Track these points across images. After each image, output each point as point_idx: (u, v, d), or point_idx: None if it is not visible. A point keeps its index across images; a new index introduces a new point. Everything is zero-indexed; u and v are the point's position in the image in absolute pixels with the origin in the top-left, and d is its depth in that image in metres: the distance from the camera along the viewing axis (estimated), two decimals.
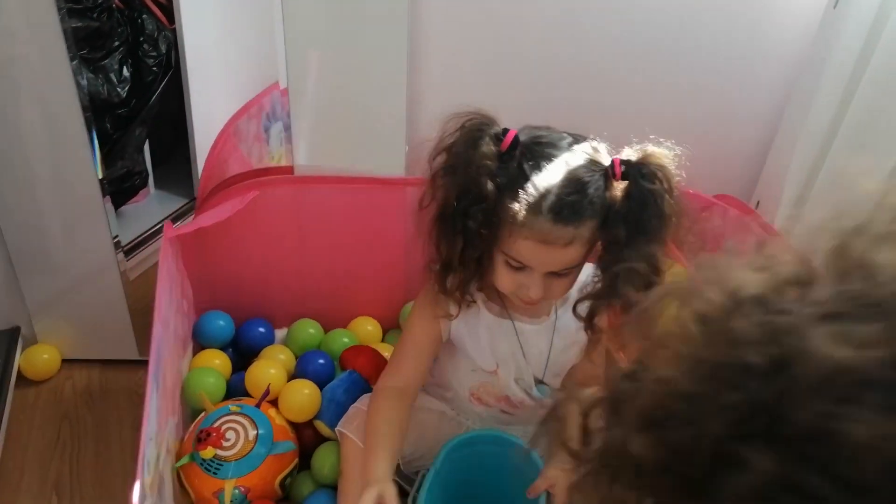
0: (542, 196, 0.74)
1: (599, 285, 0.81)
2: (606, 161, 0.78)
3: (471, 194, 0.76)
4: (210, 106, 1.53)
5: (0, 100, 1.03)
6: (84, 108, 1.07)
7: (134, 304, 1.25)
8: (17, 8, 0.97)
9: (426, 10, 1.05)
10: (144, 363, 1.25)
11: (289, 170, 1.11)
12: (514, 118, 1.13)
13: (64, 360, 1.26)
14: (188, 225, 1.05)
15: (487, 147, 0.76)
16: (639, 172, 0.76)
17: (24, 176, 1.10)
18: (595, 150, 0.79)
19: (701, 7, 1.09)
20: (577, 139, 0.79)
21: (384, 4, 0.99)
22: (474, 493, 0.94)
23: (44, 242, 1.16)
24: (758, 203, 1.18)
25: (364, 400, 0.98)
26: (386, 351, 1.13)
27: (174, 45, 1.47)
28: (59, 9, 0.97)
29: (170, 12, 1.45)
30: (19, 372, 1.21)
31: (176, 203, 1.61)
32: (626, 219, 0.76)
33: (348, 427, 0.95)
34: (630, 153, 0.78)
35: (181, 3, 1.39)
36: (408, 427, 0.90)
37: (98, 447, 1.14)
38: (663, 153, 0.77)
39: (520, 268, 0.78)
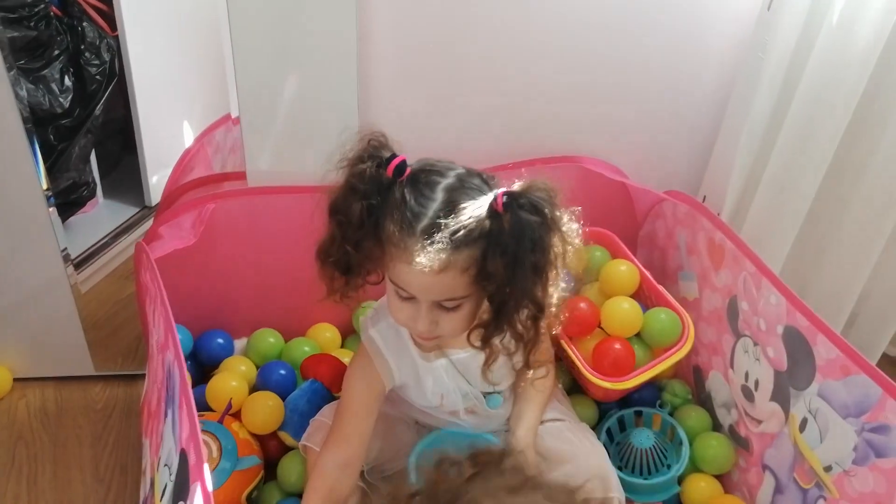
0: (416, 218, 0.75)
1: (486, 316, 0.82)
2: (493, 188, 0.78)
3: (342, 209, 0.79)
4: (158, 113, 1.51)
5: None
6: (24, 120, 1.05)
7: (87, 318, 1.24)
8: None
9: (373, 22, 1.05)
10: (100, 378, 1.26)
11: (243, 175, 1.11)
12: (462, 127, 1.16)
13: (16, 379, 1.23)
14: (162, 245, 1.02)
15: (367, 170, 0.77)
16: (517, 203, 0.75)
17: None
18: (484, 182, 0.79)
19: (642, 10, 1.11)
20: (470, 172, 0.80)
21: (332, 18, 0.99)
22: None
23: None
24: (704, 197, 1.22)
25: (325, 412, 0.99)
26: (346, 357, 1.14)
27: (117, 52, 1.44)
28: None
29: (111, 19, 1.41)
30: None
31: (126, 213, 1.58)
32: (505, 251, 0.75)
33: (312, 440, 0.96)
34: (516, 186, 0.77)
35: (122, 11, 1.36)
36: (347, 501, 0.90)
37: (56, 468, 1.12)
38: (548, 185, 0.77)
39: (407, 298, 0.80)
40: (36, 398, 1.22)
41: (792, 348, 0.96)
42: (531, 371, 0.91)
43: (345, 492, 0.89)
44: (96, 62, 1.43)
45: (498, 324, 0.81)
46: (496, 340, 0.83)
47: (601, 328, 1.11)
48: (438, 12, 1.07)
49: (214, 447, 0.97)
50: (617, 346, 1.07)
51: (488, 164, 1.16)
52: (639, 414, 1.14)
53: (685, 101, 1.21)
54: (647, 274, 1.14)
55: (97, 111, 1.44)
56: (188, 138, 1.51)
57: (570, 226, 0.79)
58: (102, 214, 1.59)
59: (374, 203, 0.77)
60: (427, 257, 0.74)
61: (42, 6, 1.33)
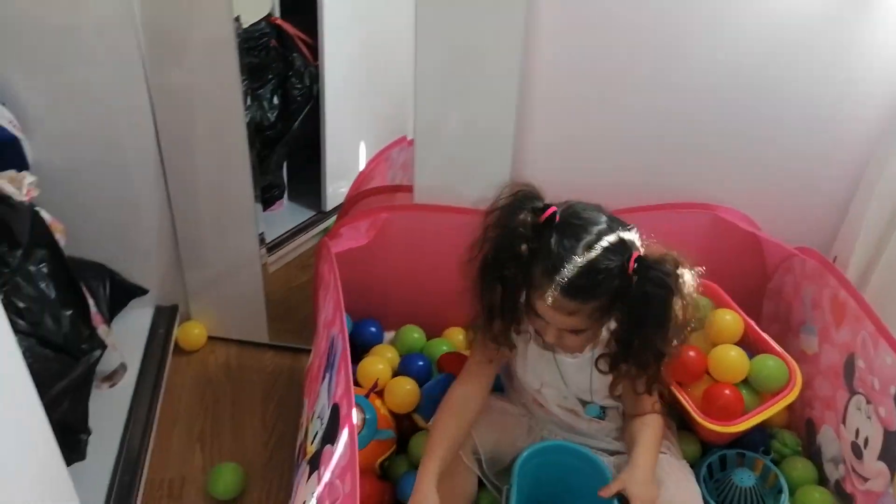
0: (555, 269, 0.89)
1: (614, 348, 0.97)
2: (628, 251, 0.91)
3: (508, 251, 0.94)
4: (342, 132, 1.76)
5: (177, 119, 1.26)
6: (247, 130, 1.29)
7: (270, 294, 1.48)
8: (201, 46, 1.20)
9: (536, 67, 1.19)
10: (272, 347, 1.50)
11: (411, 188, 1.29)
12: (607, 165, 1.27)
13: (209, 337, 1.50)
14: (341, 242, 1.23)
15: (525, 216, 0.93)
16: (646, 275, 0.89)
17: (195, 183, 1.34)
18: (622, 241, 0.91)
19: (790, 64, 1.16)
20: (612, 226, 0.93)
21: (498, 64, 1.15)
22: (549, 498, 1.07)
23: (205, 237, 1.40)
24: (835, 258, 1.25)
25: None
26: None
27: (316, 79, 1.70)
28: (238, 48, 1.21)
29: (315, 51, 1.68)
30: (176, 343, 1.46)
31: (305, 215, 1.85)
32: (629, 311, 0.91)
33: None
34: (652, 251, 0.92)
35: (325, 44, 1.63)
36: (468, 428, 1.03)
37: (234, 411, 1.36)
38: (678, 258, 0.91)
39: (539, 315, 0.94)
40: (222, 354, 1.48)
41: None
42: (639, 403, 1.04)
43: (467, 417, 1.03)
44: (299, 86, 1.71)
45: (624, 355, 0.96)
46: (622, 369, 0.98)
47: (709, 374, 1.18)
48: (592, 67, 1.19)
49: (358, 417, 1.15)
50: (726, 391, 1.13)
51: (627, 204, 1.26)
52: (741, 456, 1.19)
53: (824, 162, 1.24)
54: (752, 323, 1.20)
55: (295, 127, 1.72)
56: (363, 155, 1.75)
57: (692, 286, 0.92)
58: (285, 214, 1.87)
59: (529, 246, 0.93)
60: (560, 302, 0.90)
61: (265, 38, 1.62)
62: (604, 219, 0.94)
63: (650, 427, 1.04)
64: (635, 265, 0.89)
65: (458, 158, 1.24)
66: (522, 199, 0.94)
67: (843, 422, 1.12)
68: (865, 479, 1.07)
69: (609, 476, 1.01)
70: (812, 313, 1.23)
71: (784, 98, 1.19)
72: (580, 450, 1.06)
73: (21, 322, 0.94)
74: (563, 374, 1.05)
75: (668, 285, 0.89)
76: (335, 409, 0.93)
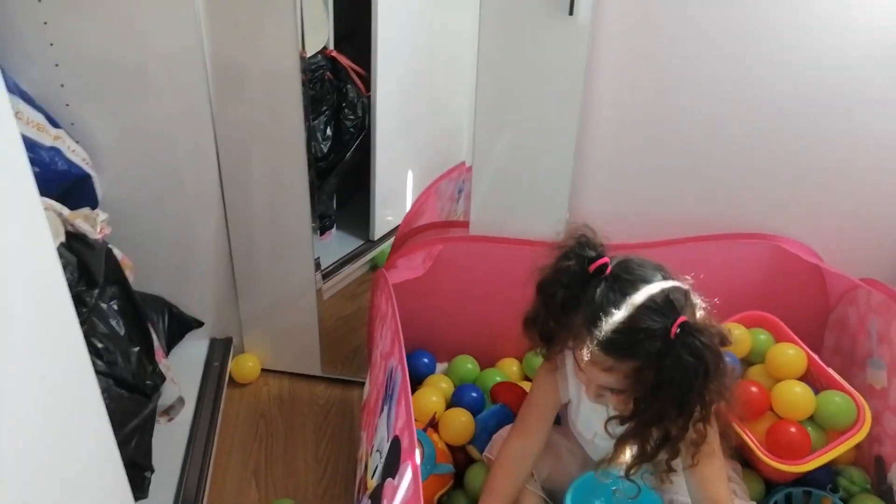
0: (598, 323, 0.87)
1: (628, 413, 0.91)
2: (675, 314, 0.85)
3: (549, 291, 0.94)
4: (391, 162, 1.78)
5: (239, 151, 1.29)
6: (308, 162, 1.31)
7: (323, 324, 1.48)
8: (267, 79, 1.22)
9: (595, 94, 1.19)
10: (324, 379, 1.50)
11: (465, 224, 1.30)
12: (666, 195, 1.26)
13: (262, 370, 1.51)
14: (398, 273, 1.24)
15: (569, 264, 0.91)
16: (685, 343, 0.83)
17: (253, 214, 1.36)
18: (670, 300, 0.86)
19: (861, 91, 1.15)
20: (665, 285, 0.88)
21: (559, 91, 1.15)
22: None
23: (261, 267, 1.42)
24: None
25: (506, 430, 1.13)
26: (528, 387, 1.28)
27: (368, 109, 1.73)
28: (303, 83, 1.23)
29: (368, 82, 1.71)
30: (230, 376, 1.48)
31: (354, 244, 1.86)
32: (659, 373, 0.84)
33: (493, 452, 1.11)
34: (700, 316, 0.86)
35: (378, 75, 1.65)
36: (519, 488, 1.02)
37: (286, 444, 1.37)
38: (723, 332, 0.86)
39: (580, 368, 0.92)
40: (275, 387, 1.49)
41: None
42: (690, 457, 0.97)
43: (523, 473, 1.02)
44: (352, 117, 1.73)
45: (632, 422, 0.90)
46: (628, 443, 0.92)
47: (772, 411, 1.15)
48: (653, 95, 1.19)
49: (419, 450, 1.15)
50: (792, 429, 1.10)
51: (685, 234, 1.26)
52: (808, 494, 1.15)
53: (890, 194, 1.22)
54: (816, 357, 1.17)
55: (347, 157, 1.74)
56: (411, 185, 1.76)
57: (726, 376, 0.86)
58: (335, 243, 1.88)
59: (576, 292, 0.91)
60: (596, 357, 0.88)
61: (321, 71, 1.65)
62: (659, 276, 0.90)
63: (711, 484, 0.98)
64: (678, 330, 0.84)
65: (516, 189, 1.25)
66: (570, 248, 0.93)
67: None
68: None
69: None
70: (879, 346, 1.19)
71: (853, 125, 1.18)
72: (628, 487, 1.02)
73: (99, 362, 0.96)
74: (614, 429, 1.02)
75: (704, 357, 0.83)
76: (395, 442, 0.92)
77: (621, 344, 0.86)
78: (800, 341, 1.19)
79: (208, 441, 1.29)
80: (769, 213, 1.27)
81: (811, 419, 1.14)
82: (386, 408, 1.02)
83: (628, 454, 0.94)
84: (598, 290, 0.89)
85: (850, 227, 1.27)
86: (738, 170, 1.24)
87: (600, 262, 0.90)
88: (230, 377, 1.48)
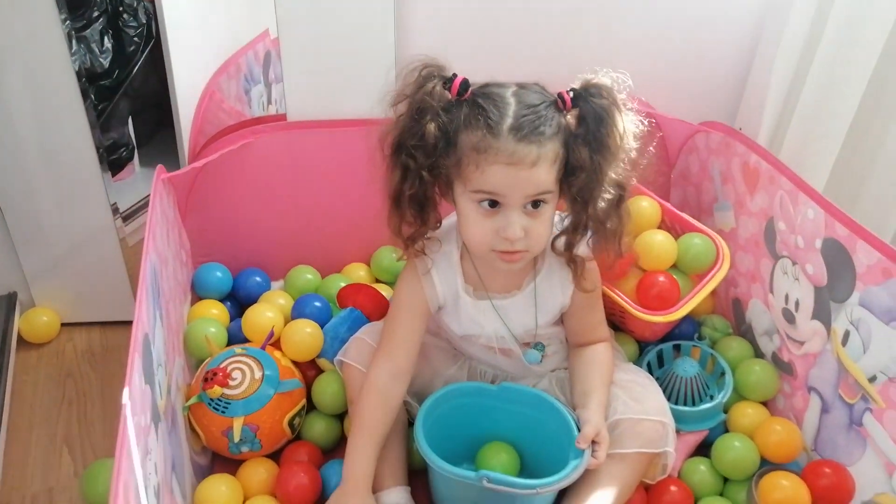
0: (501, 120, 0.79)
1: (569, 218, 0.86)
2: (555, 93, 0.82)
3: (414, 134, 0.80)
4: (194, 79, 1.54)
5: None
6: (77, 76, 1.07)
7: (133, 269, 1.27)
8: None
9: None
10: None
11: (282, 118, 1.13)
12: (495, 55, 1.17)
13: (63, 324, 1.27)
14: (184, 170, 1.05)
15: (435, 88, 0.80)
16: (587, 93, 0.81)
17: (18, 146, 1.11)
18: (541, 88, 0.83)
19: None
20: (525, 83, 0.83)
21: None
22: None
23: (41, 210, 1.17)
24: (740, 129, 1.21)
25: (365, 331, 1.01)
26: (382, 289, 1.15)
27: (153, 15, 1.48)
28: None
29: None
30: (20, 336, 1.22)
31: None
32: (586, 138, 0.80)
33: (348, 356, 0.98)
34: (573, 84, 0.83)
35: None
36: (394, 417, 0.92)
37: (104, 401, 1.15)
38: (603, 77, 0.82)
39: (493, 208, 0.81)
40: (82, 340, 1.26)
41: (831, 260, 0.95)
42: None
43: (396, 401, 0.91)
44: (134, 24, 1.47)
45: (583, 216, 0.84)
46: (579, 247, 0.87)
47: (638, 267, 1.11)
48: None
49: (257, 369, 0.99)
50: (661, 278, 1.05)
51: None
52: (677, 348, 1.13)
53: (718, 33, 1.19)
54: (668, 205, 1.14)
55: (135, 72, 1.48)
56: None
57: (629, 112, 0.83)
58: (139, 182, 1.63)
59: (445, 120, 0.80)
60: (520, 151, 0.78)
61: None
62: (511, 83, 0.83)
63: (604, 360, 0.96)
64: (570, 94, 0.81)
65: (335, 65, 1.10)
66: (425, 76, 0.81)
67: (771, 290, 1.08)
68: (801, 344, 1.03)
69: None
70: (723, 188, 1.18)
71: None
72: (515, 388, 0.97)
73: None
74: (505, 319, 0.94)
75: (610, 93, 0.81)
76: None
77: (533, 122, 0.78)
78: (651, 193, 1.15)
79: None
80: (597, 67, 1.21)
81: (674, 268, 1.10)
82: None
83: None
84: (478, 101, 0.80)
85: (680, 77, 1.23)
86: (564, 26, 1.17)
87: (461, 78, 0.81)
88: (20, 338, 1.22)
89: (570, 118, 0.81)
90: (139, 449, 0.68)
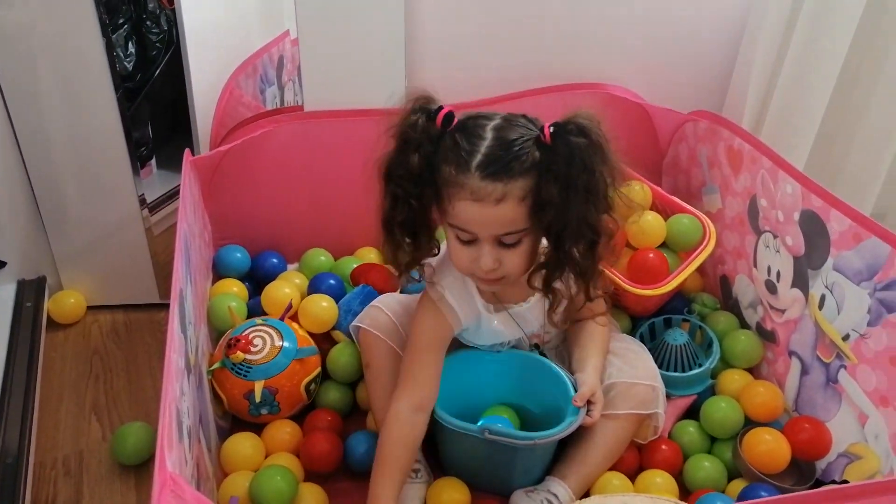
0: (471, 155, 0.81)
1: (544, 256, 0.88)
2: (539, 124, 0.83)
3: (400, 164, 0.84)
4: (210, 80, 1.62)
5: (29, 62, 1.12)
6: (113, 76, 1.16)
7: (156, 257, 1.34)
8: None
9: None
10: (164, 306, 1.36)
11: (300, 109, 1.21)
12: (503, 46, 1.25)
13: (89, 307, 1.34)
14: (209, 154, 1.13)
15: (419, 121, 0.83)
16: (565, 129, 0.80)
17: (53, 138, 1.18)
18: (529, 121, 0.84)
19: None
20: (514, 115, 0.85)
21: None
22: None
23: (71, 200, 1.24)
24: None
25: (381, 300, 1.07)
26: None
27: (174, 22, 1.57)
28: None
29: None
30: (48, 316, 1.29)
31: (178, 181, 1.69)
32: (557, 176, 0.80)
33: (363, 322, 1.03)
34: (560, 119, 0.82)
35: None
36: (417, 447, 0.92)
37: (129, 375, 1.21)
38: (591, 114, 0.81)
39: (469, 241, 0.85)
40: (107, 322, 1.32)
41: (808, 230, 1.03)
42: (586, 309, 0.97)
43: (419, 431, 0.91)
44: (156, 31, 1.56)
45: (558, 258, 0.85)
46: (558, 283, 0.89)
47: (628, 246, 1.18)
48: None
49: (277, 338, 1.06)
50: (650, 255, 1.13)
51: (514, 90, 1.25)
52: (668, 322, 1.20)
53: (704, 26, 1.28)
54: (659, 188, 1.22)
55: (156, 76, 1.57)
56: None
57: (615, 155, 0.83)
58: (155, 183, 1.71)
59: (428, 151, 0.83)
60: (485, 189, 0.80)
61: None
62: (503, 112, 0.87)
63: (601, 331, 1.02)
64: (551, 129, 0.80)
65: (349, 60, 1.17)
66: (411, 109, 0.84)
67: (755, 264, 1.16)
68: (782, 312, 1.10)
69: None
70: (710, 172, 1.26)
71: None
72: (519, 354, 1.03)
73: None
74: (521, 325, 0.99)
75: (589, 133, 0.79)
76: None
77: (503, 159, 0.80)
78: (641, 177, 1.23)
79: (28, 388, 1.11)
80: (596, 64, 1.29)
81: (664, 246, 1.18)
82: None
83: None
84: (457, 136, 0.83)
85: (668, 68, 1.32)
86: (560, 23, 1.25)
87: (445, 109, 0.84)
88: (49, 319, 1.29)
89: (550, 150, 0.81)
90: (177, 386, 0.74)
